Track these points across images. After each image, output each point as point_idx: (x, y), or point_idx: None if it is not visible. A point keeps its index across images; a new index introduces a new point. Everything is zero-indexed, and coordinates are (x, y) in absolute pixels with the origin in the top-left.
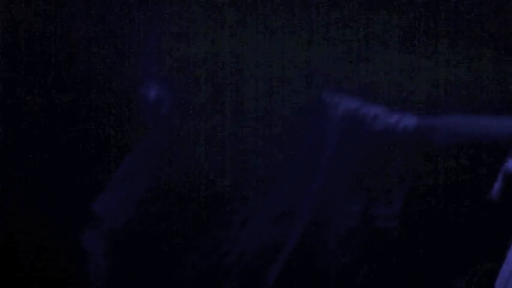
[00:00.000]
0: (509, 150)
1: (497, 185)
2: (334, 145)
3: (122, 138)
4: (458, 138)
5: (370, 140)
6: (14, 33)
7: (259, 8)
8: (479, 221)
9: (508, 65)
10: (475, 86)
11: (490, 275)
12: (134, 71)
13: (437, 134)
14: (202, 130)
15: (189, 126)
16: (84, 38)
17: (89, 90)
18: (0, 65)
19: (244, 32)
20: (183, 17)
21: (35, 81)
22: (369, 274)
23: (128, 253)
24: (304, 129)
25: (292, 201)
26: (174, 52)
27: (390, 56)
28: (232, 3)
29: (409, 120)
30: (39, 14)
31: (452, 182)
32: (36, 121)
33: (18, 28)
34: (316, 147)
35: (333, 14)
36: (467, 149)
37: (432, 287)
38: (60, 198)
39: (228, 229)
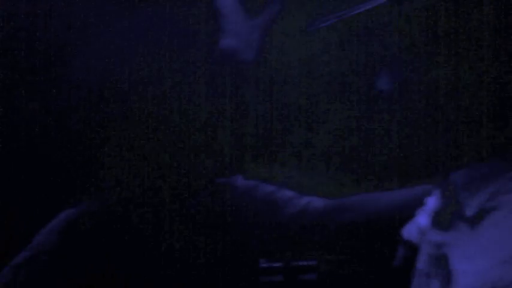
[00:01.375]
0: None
1: (399, 253)
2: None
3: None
4: (364, 215)
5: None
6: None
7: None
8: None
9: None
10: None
11: None
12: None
13: (345, 214)
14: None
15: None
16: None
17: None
18: None
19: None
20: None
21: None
22: None
23: None
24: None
25: None
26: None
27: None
28: None
29: (317, 202)
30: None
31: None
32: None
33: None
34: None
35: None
36: (371, 224)
37: None
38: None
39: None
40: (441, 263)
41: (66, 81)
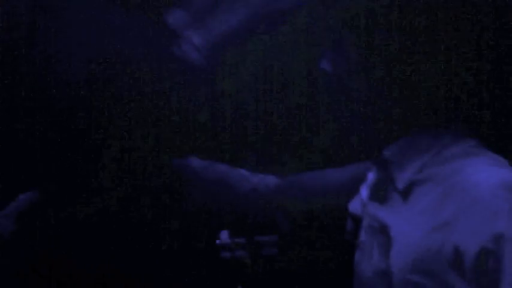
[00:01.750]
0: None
1: (348, 226)
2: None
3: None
4: (313, 190)
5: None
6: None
7: None
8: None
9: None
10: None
11: None
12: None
13: (296, 190)
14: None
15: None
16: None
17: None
18: None
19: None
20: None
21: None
22: None
23: None
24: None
25: None
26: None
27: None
28: None
29: (270, 180)
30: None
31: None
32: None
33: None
34: None
35: None
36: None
37: None
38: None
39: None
40: (380, 233)
41: (66, 81)
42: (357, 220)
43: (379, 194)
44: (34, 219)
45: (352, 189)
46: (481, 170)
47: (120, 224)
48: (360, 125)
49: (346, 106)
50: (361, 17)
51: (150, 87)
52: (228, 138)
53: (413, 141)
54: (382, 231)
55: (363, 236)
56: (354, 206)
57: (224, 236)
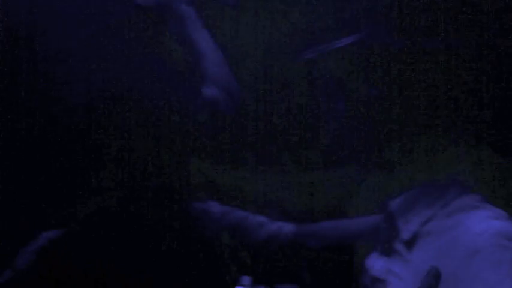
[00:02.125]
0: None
1: (365, 282)
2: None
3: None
4: (328, 241)
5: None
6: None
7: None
8: None
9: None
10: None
11: None
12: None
13: (313, 239)
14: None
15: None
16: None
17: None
18: None
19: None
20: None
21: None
22: None
23: None
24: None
25: None
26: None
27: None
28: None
29: (288, 228)
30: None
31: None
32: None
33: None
34: None
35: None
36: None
37: None
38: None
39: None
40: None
41: (66, 82)
42: (369, 276)
43: (386, 247)
44: (55, 255)
45: (367, 241)
46: (483, 222)
47: (120, 224)
48: (360, 125)
49: (346, 106)
50: (361, 17)
51: (150, 87)
52: (228, 138)
53: (418, 196)
54: (394, 283)
55: None
56: (369, 262)
57: (246, 281)
